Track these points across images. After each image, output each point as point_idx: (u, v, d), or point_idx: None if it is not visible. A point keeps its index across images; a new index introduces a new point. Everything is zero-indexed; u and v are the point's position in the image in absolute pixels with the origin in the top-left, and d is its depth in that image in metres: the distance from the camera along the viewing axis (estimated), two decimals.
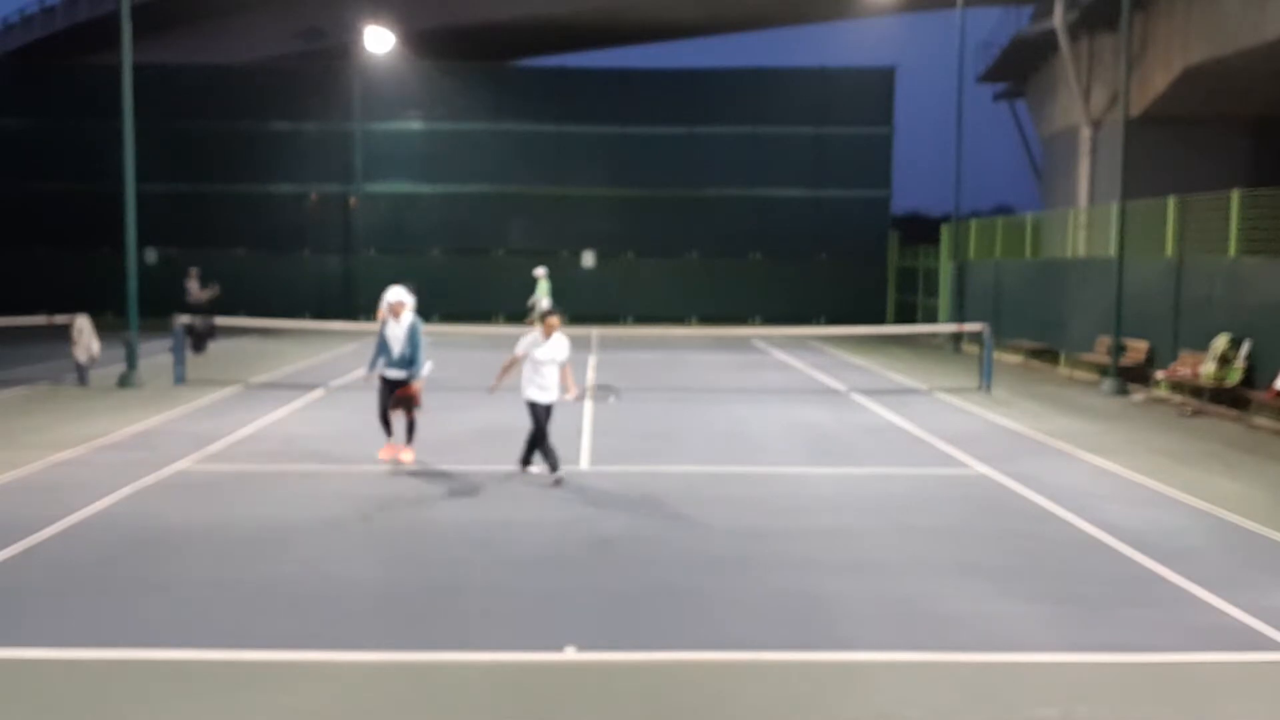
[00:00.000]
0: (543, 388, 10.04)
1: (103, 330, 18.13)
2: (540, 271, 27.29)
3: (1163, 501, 9.69)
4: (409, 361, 10.72)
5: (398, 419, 11.01)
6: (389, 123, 34.77)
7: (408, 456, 10.98)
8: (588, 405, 15.25)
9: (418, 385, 10.76)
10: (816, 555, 7.78)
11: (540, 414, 10.04)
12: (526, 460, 10.36)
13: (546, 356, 10.05)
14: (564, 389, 10.24)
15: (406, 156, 34.81)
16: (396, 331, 10.74)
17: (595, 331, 24.14)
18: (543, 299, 26.76)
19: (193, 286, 26.23)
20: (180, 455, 11.24)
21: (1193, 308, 16.63)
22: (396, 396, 10.74)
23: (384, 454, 11.08)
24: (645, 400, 16.05)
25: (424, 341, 10.83)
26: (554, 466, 10.03)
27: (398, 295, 10.80)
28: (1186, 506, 9.48)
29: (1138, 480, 10.58)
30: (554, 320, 10.15)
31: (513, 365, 10.16)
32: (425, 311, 34.49)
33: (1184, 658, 5.86)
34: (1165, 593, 7.03)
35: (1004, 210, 50.25)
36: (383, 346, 10.81)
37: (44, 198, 34.10)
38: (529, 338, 10.08)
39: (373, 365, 10.96)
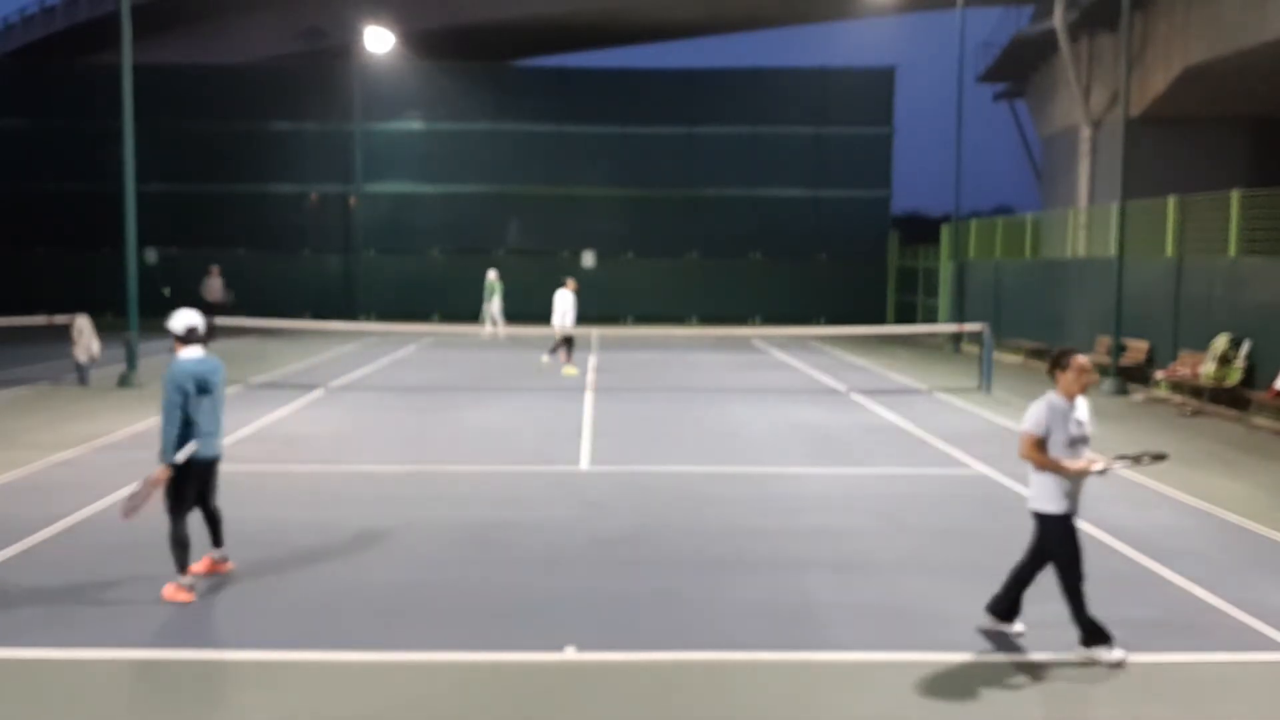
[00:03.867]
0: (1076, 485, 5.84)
1: (103, 330, 18.14)
2: (493, 274, 27.22)
3: (1162, 501, 9.69)
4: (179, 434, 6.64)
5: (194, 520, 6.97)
6: (389, 123, 34.79)
7: (224, 563, 7.22)
8: (588, 401, 15.28)
9: (161, 475, 6.63)
10: (816, 555, 7.79)
11: (1072, 533, 5.83)
12: (1010, 610, 6.18)
13: (1081, 431, 5.87)
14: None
15: (406, 156, 34.83)
16: (218, 375, 7.03)
17: (595, 331, 24.16)
18: (495, 303, 26.63)
19: (214, 285, 26.55)
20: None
21: (1192, 308, 16.63)
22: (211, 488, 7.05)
23: (172, 593, 6.60)
24: (645, 400, 16.05)
25: (175, 399, 6.64)
26: (1097, 636, 5.82)
27: (184, 322, 6.93)
28: (1186, 506, 9.49)
29: (1137, 480, 10.57)
30: (1083, 360, 5.86)
31: (1039, 452, 5.79)
32: (426, 311, 34.31)
33: (1183, 657, 5.87)
34: (1165, 592, 7.04)
35: (1004, 210, 50.27)
36: (188, 408, 6.71)
37: (44, 198, 34.11)
38: (1041, 407, 5.82)
39: (180, 443, 6.68)
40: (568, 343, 19.83)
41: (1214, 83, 26.80)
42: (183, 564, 6.67)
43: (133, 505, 6.66)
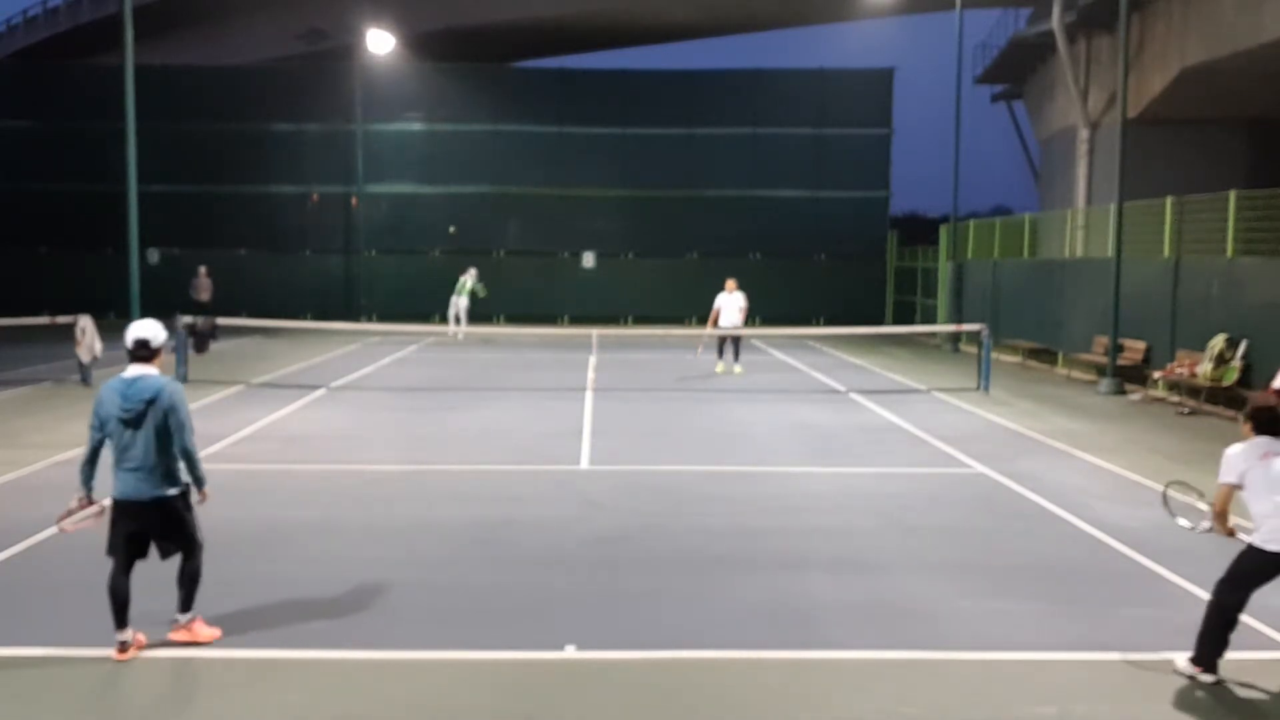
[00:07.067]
0: None
1: (105, 330, 18.17)
2: (473, 272, 27.27)
3: (1160, 500, 9.71)
4: (168, 468, 5.78)
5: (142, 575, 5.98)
6: (390, 123, 34.82)
7: (208, 632, 5.95)
8: (588, 401, 15.31)
9: (206, 494, 5.99)
10: (815, 554, 7.83)
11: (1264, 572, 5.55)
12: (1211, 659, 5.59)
13: None
14: None
15: (407, 157, 34.86)
16: (132, 402, 5.76)
17: (595, 331, 24.19)
18: (462, 300, 26.63)
19: (204, 284, 26.99)
20: None
21: (1190, 308, 16.68)
22: (164, 537, 5.88)
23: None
24: (645, 400, 16.10)
25: (189, 422, 5.85)
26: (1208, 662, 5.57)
27: (142, 333, 6.06)
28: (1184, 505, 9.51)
29: (1135, 479, 10.62)
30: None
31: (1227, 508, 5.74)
32: (427, 311, 34.41)
33: (1183, 657, 5.90)
34: (1163, 591, 7.08)
35: (1002, 211, 50.35)
36: (109, 434, 5.86)
37: (47, 198, 34.14)
38: (1242, 451, 5.54)
39: (90, 476, 6.02)
40: (721, 342, 20.06)
41: (1211, 84, 26.85)
42: (116, 619, 5.78)
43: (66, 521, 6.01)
